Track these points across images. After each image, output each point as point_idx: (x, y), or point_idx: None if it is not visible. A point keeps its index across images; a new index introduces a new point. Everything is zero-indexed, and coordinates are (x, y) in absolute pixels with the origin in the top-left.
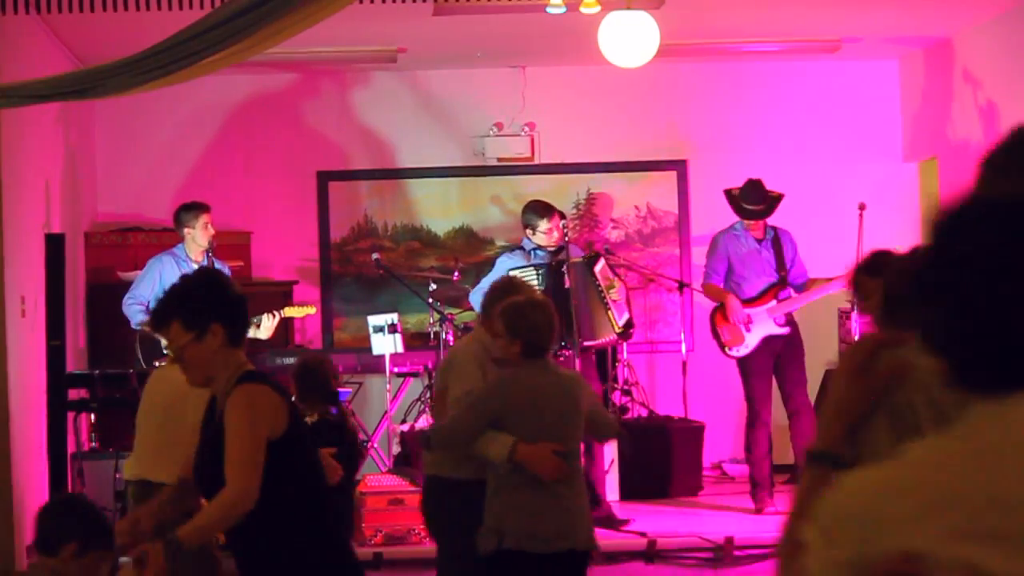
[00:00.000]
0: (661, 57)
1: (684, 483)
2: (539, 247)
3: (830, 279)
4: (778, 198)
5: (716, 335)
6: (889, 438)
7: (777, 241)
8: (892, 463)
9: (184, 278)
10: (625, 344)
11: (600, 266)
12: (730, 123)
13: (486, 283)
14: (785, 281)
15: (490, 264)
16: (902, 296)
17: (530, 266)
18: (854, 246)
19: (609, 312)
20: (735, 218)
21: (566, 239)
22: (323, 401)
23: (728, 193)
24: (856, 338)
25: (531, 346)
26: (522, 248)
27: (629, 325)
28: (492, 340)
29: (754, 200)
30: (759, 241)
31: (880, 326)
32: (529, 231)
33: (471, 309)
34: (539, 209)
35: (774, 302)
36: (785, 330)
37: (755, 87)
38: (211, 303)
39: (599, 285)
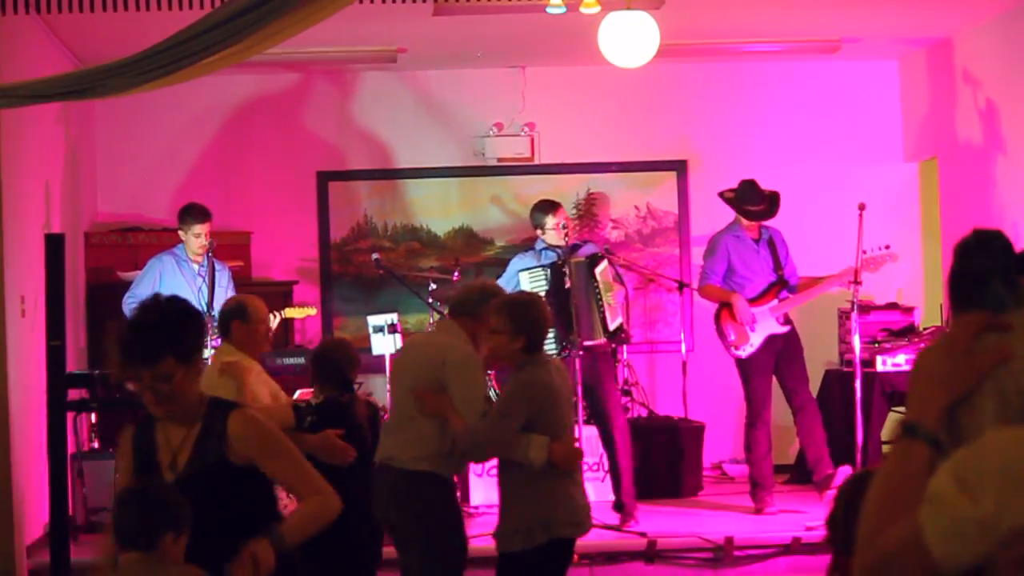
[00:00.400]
0: (661, 57)
1: (684, 483)
2: (550, 247)
3: (825, 277)
4: (776, 196)
5: (722, 335)
6: (996, 424)
7: (771, 241)
8: None
9: (158, 310)
10: (624, 344)
11: (602, 267)
12: (730, 123)
13: (501, 284)
14: (783, 280)
15: (489, 264)
16: (967, 274)
17: (539, 267)
18: (854, 246)
19: (601, 315)
20: (730, 220)
21: (565, 238)
22: (337, 386)
23: (724, 196)
24: (955, 321)
25: (532, 342)
26: (533, 249)
27: (619, 330)
28: (469, 339)
29: (755, 200)
30: (756, 241)
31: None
32: (540, 231)
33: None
34: (544, 207)
35: (776, 301)
36: (785, 328)
37: (755, 87)
38: (199, 334)
39: (596, 287)
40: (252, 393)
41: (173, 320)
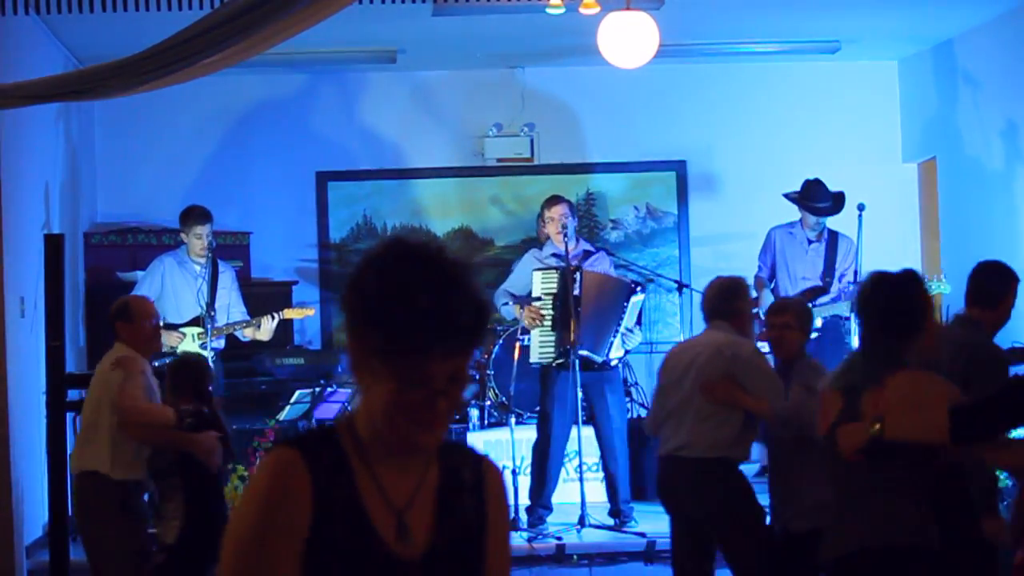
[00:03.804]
0: (661, 57)
1: None
2: (553, 254)
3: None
4: (841, 195)
5: None
6: None
7: (833, 245)
8: None
9: (469, 277)
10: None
11: (636, 298)
12: (730, 123)
13: (512, 277)
14: (828, 286)
15: (488, 264)
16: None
17: (552, 268)
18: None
19: (612, 340)
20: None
21: (565, 241)
22: (195, 398)
23: (789, 196)
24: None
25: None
26: (543, 246)
27: (608, 361)
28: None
29: (820, 198)
30: (811, 242)
31: None
32: (541, 223)
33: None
34: (546, 200)
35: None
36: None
37: (755, 87)
38: None
39: (623, 314)
40: (134, 391)
41: (484, 300)
